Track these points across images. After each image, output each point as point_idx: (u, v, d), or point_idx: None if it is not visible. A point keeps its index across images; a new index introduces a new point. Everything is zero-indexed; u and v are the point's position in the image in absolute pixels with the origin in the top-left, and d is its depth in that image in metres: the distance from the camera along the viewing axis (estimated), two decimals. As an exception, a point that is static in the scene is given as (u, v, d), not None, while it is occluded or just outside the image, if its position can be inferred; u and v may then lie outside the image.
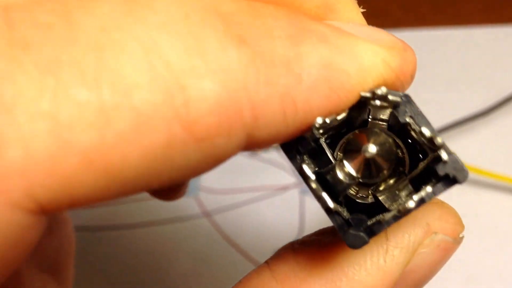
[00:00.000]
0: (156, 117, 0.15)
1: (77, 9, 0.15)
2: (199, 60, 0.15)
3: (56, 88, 0.14)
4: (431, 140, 0.17)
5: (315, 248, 0.20)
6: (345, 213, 0.18)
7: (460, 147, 0.43)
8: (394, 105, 0.18)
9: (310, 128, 0.17)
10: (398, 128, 0.19)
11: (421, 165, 0.18)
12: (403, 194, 0.19)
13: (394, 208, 0.18)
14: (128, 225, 0.42)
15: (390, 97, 0.18)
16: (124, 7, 0.15)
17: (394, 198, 0.19)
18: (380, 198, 0.19)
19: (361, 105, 0.18)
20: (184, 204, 0.43)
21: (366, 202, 0.19)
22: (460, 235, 0.21)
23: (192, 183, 0.44)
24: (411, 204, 0.17)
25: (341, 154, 0.19)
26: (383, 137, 0.18)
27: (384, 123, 0.19)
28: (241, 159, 0.46)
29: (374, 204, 0.19)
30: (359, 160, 0.18)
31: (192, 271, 0.39)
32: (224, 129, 0.15)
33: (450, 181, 0.17)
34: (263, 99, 0.16)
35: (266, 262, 0.20)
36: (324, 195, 0.17)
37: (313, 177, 0.17)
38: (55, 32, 0.15)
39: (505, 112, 0.48)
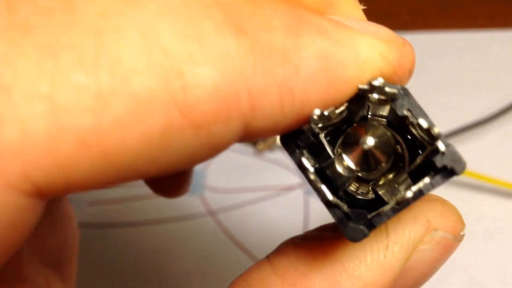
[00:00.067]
0: (153, 103, 0.15)
1: None
2: (197, 47, 0.15)
3: (54, 71, 0.14)
4: (428, 131, 0.17)
5: (316, 243, 0.20)
6: (345, 208, 0.18)
7: (465, 153, 0.43)
8: (392, 99, 0.18)
9: (309, 121, 0.17)
10: (397, 124, 0.19)
11: (420, 158, 0.18)
12: (402, 188, 0.19)
13: (393, 200, 0.18)
14: (132, 223, 0.42)
15: (387, 89, 0.18)
16: None
17: (393, 192, 0.19)
18: (379, 192, 0.19)
19: (359, 98, 0.18)
20: (189, 202, 0.43)
21: (367, 198, 0.19)
22: (461, 233, 0.21)
23: (197, 181, 0.45)
24: (409, 194, 0.17)
25: (340, 150, 0.19)
26: (381, 129, 0.18)
27: (383, 120, 0.19)
28: (246, 159, 0.46)
29: (375, 200, 0.19)
30: (357, 152, 0.18)
31: (196, 270, 0.39)
32: (221, 117, 0.16)
33: (448, 172, 0.18)
34: (260, 88, 0.16)
35: (267, 256, 0.20)
36: (323, 187, 0.17)
37: (311, 169, 0.17)
38: (55, 16, 0.15)
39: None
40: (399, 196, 0.17)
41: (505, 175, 0.43)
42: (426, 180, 0.17)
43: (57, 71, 0.14)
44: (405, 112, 0.18)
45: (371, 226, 0.18)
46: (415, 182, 0.18)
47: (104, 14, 0.15)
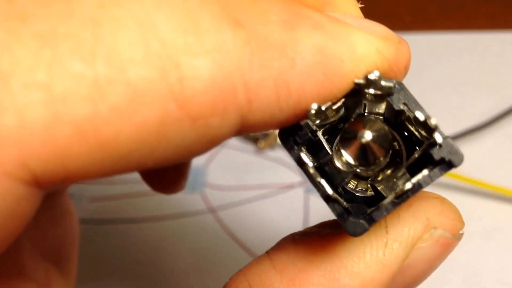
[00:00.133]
0: (150, 93, 0.15)
1: None
2: (194, 39, 0.15)
3: (52, 60, 0.14)
4: (425, 124, 0.17)
5: (315, 239, 0.20)
6: (345, 203, 0.18)
7: (466, 156, 0.43)
8: (388, 93, 0.18)
9: (306, 116, 0.17)
10: (393, 121, 0.19)
11: (417, 152, 0.18)
12: (401, 182, 0.19)
13: (392, 194, 0.18)
14: (133, 219, 0.42)
15: (383, 82, 0.18)
16: None
17: (392, 187, 0.19)
18: (378, 188, 0.19)
19: (356, 94, 0.18)
20: (189, 200, 0.43)
21: (366, 195, 0.20)
22: (460, 232, 0.21)
23: (198, 179, 0.45)
24: (408, 185, 0.17)
25: (339, 146, 0.19)
26: (379, 124, 0.18)
27: (380, 117, 0.19)
28: (247, 157, 0.47)
29: (374, 197, 0.19)
30: (356, 146, 0.18)
31: (196, 266, 0.39)
32: (218, 110, 0.16)
33: (446, 165, 0.18)
34: (257, 81, 0.16)
35: (267, 252, 0.20)
36: (323, 181, 0.17)
37: (310, 164, 0.17)
38: (53, 6, 0.15)
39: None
40: (398, 189, 0.17)
41: (506, 179, 0.42)
42: (425, 172, 0.18)
43: (55, 60, 0.14)
44: (402, 106, 0.18)
45: (371, 220, 0.18)
46: (413, 176, 0.18)
47: (102, 5, 0.15)
